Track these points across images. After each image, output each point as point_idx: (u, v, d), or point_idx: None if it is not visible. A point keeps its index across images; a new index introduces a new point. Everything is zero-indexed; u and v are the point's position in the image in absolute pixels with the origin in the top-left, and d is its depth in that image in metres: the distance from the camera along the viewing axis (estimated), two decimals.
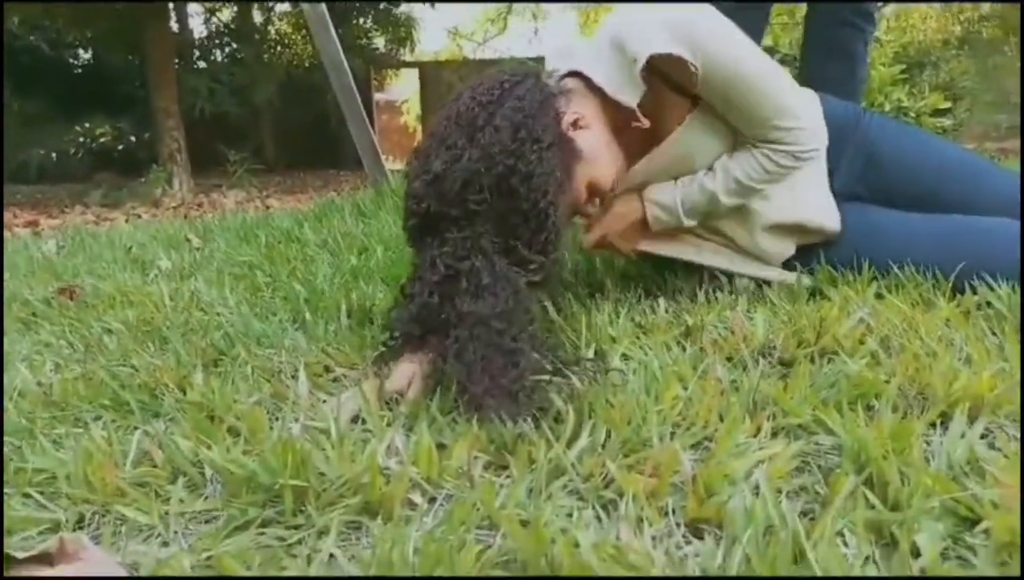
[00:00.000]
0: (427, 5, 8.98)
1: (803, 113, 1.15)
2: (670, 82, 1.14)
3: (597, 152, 1.09)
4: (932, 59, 9.22)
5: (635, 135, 1.14)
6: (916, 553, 0.53)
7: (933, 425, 0.75)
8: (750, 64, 1.10)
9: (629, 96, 1.08)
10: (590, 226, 1.27)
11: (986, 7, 11.54)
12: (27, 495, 0.70)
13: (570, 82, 1.13)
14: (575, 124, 1.06)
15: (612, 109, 1.12)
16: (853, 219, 1.25)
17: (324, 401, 0.90)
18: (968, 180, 1.28)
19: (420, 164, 0.98)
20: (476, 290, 0.89)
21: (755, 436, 0.74)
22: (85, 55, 11.51)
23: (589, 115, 1.09)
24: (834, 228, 1.23)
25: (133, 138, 10.11)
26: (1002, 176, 1.30)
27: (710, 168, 1.19)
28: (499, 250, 0.94)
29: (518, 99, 0.98)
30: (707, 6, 1.11)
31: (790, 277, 1.24)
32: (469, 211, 0.93)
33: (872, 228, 1.25)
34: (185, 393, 0.94)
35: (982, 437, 0.70)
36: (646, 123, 1.10)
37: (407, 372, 0.90)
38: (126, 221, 4.80)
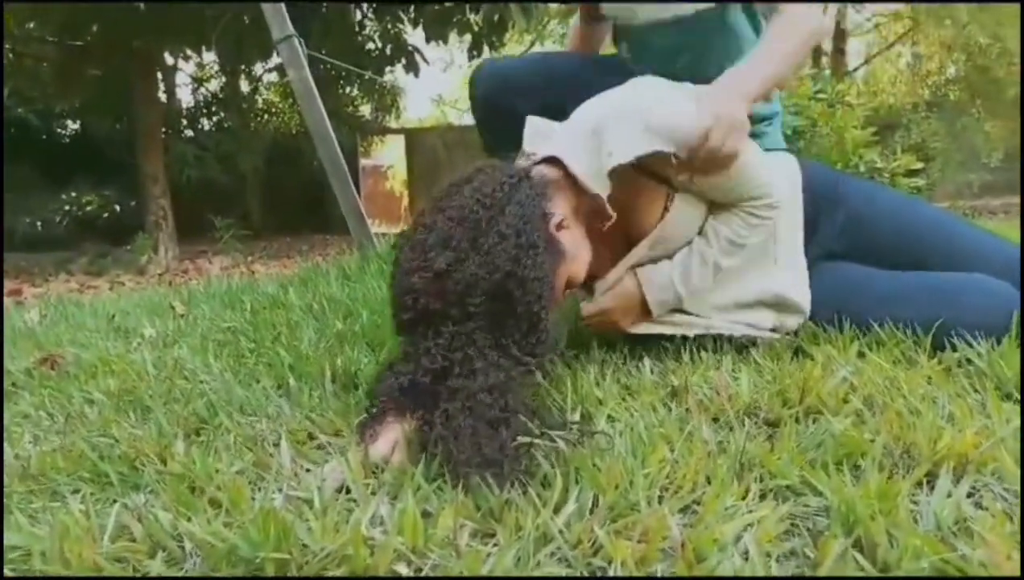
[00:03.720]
0: (411, 75, 9.19)
1: (773, 181, 1.21)
2: (647, 171, 1.17)
3: (576, 250, 1.11)
4: (903, 121, 9.52)
5: (605, 221, 1.16)
6: None
7: (919, 484, 0.75)
8: None
9: (601, 187, 1.11)
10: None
11: (951, 71, 11.98)
12: None
13: (546, 169, 1.15)
14: (559, 226, 1.08)
15: (586, 197, 1.14)
16: (831, 277, 1.27)
17: (308, 470, 0.89)
18: (943, 237, 1.32)
19: (417, 258, 0.97)
20: (468, 373, 0.90)
21: (743, 499, 0.73)
22: (73, 125, 11.65)
23: (566, 211, 1.12)
24: (806, 308, 1.27)
25: (119, 206, 10.16)
26: (975, 233, 1.34)
27: (699, 234, 1.23)
28: (491, 346, 0.95)
29: (519, 205, 1.00)
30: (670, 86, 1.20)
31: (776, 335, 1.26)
32: (467, 312, 0.94)
33: (850, 285, 1.28)
34: (166, 463, 0.92)
35: (968, 496, 0.70)
36: (612, 215, 1.13)
37: (392, 438, 0.89)
38: (110, 289, 4.79)
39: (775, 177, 1.22)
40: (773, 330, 1.27)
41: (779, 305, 1.27)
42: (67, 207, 9.90)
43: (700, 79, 1.24)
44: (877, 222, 1.33)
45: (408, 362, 0.96)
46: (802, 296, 1.27)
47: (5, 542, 0.72)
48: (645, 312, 1.26)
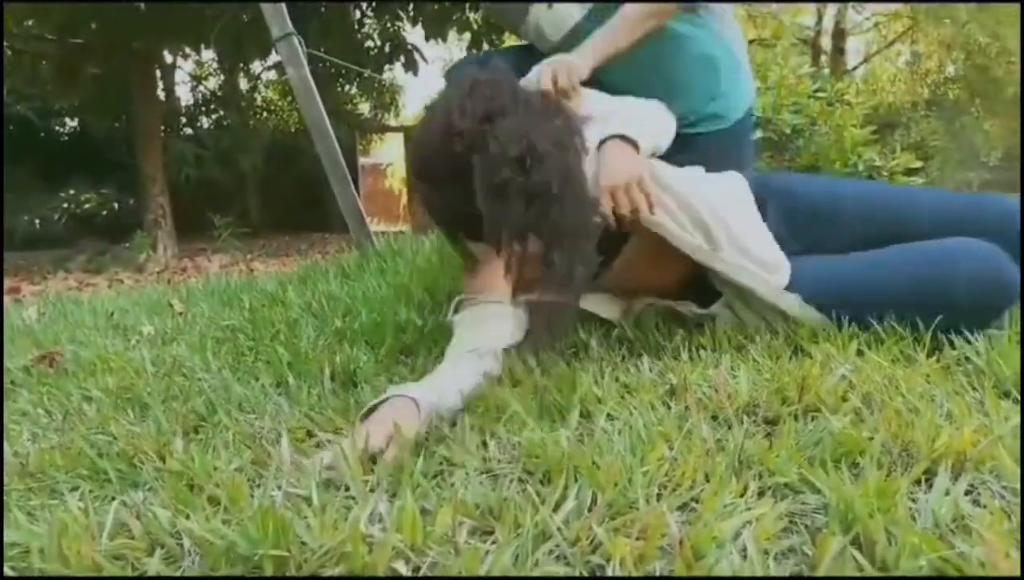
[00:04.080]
0: (410, 73, 9.19)
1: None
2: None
3: None
4: (903, 120, 9.54)
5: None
6: None
7: (918, 482, 0.75)
8: None
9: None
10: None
11: (951, 70, 11.99)
12: None
13: None
14: None
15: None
16: (818, 271, 1.28)
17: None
18: (890, 204, 1.34)
19: (446, 115, 1.08)
20: (537, 164, 1.01)
21: (741, 496, 0.73)
22: (72, 123, 11.63)
23: None
24: (781, 263, 1.29)
25: (117, 204, 10.14)
26: (964, 197, 1.36)
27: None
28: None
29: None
30: None
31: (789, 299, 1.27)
32: (520, 99, 1.09)
33: (835, 275, 1.28)
34: (164, 461, 0.92)
35: (966, 493, 0.70)
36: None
37: (386, 430, 0.89)
38: (109, 286, 4.78)
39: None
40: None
41: (758, 262, 1.27)
42: (66, 205, 9.87)
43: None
44: (816, 205, 1.35)
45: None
46: (767, 250, 1.29)
47: (4, 539, 0.72)
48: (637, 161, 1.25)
